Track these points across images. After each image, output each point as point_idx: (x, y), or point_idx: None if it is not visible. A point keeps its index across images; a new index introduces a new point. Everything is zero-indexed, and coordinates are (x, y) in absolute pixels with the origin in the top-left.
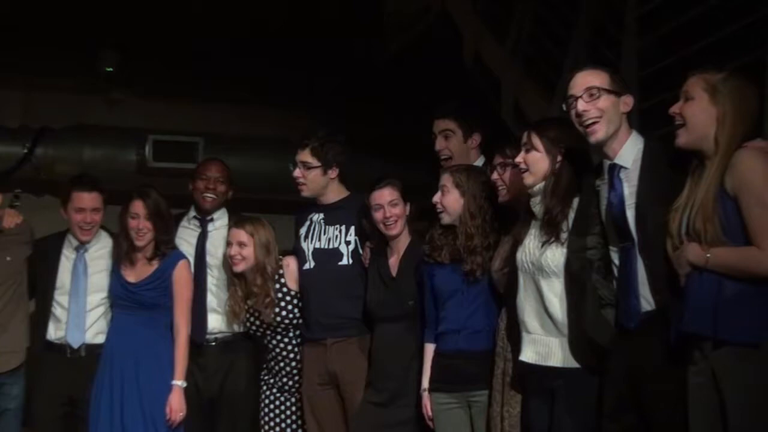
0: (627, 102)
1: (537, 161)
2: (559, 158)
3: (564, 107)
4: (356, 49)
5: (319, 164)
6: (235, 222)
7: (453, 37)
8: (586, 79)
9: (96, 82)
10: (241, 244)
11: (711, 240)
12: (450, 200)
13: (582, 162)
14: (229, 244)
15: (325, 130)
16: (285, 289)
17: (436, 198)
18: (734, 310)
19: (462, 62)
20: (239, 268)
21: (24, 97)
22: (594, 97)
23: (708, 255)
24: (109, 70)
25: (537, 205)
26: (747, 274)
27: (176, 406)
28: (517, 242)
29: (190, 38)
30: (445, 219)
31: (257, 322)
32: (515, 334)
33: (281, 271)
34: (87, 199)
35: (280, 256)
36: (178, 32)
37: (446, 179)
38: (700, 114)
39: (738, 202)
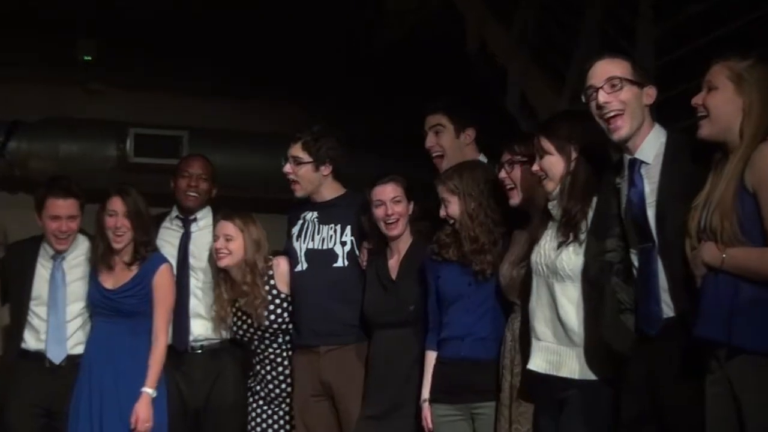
0: (650, 93)
1: (553, 165)
2: (574, 155)
3: (583, 98)
4: (355, 39)
5: (310, 160)
6: (223, 214)
7: (456, 25)
8: (607, 69)
9: (73, 72)
10: (228, 238)
11: (728, 238)
12: (456, 210)
13: (600, 157)
14: (215, 237)
15: (321, 125)
16: (275, 292)
17: (443, 213)
18: (751, 316)
19: (465, 52)
20: (224, 262)
21: None
22: (616, 88)
23: (724, 255)
24: (87, 59)
25: (555, 208)
26: (765, 277)
27: (142, 415)
28: (534, 243)
29: (175, 26)
30: (457, 225)
31: (244, 326)
32: (526, 341)
33: (271, 272)
34: (62, 206)
35: (270, 256)
36: (161, 19)
37: (442, 191)
38: (724, 105)
39: (757, 198)
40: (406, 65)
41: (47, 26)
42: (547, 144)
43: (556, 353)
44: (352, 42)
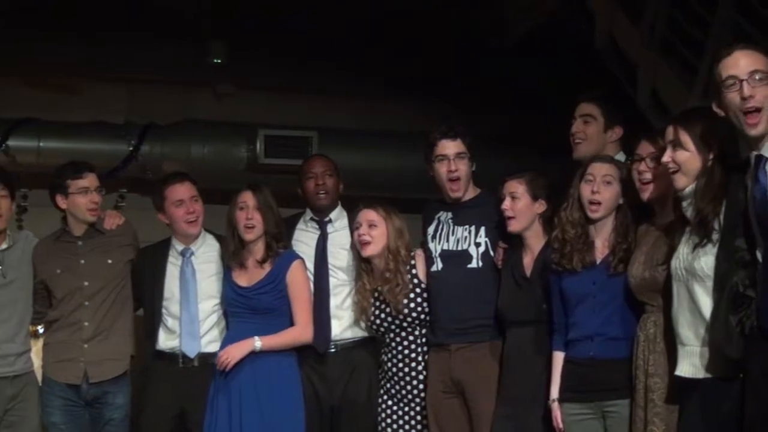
0: None
1: (688, 160)
2: (711, 156)
3: (717, 89)
4: (479, 35)
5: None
6: (364, 203)
7: (583, 18)
8: (750, 60)
9: (204, 74)
10: (371, 225)
11: None
12: (611, 194)
13: (733, 156)
14: (358, 224)
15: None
16: (416, 281)
17: (596, 188)
18: None
19: (593, 47)
20: (367, 250)
21: (128, 92)
22: (761, 83)
23: None
24: (217, 61)
25: (689, 208)
26: None
27: (233, 351)
28: (672, 249)
29: (302, 26)
30: (599, 212)
31: (382, 315)
32: (672, 347)
33: (413, 261)
34: (182, 189)
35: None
36: (289, 20)
37: (609, 169)
38: None
39: None
40: (533, 62)
41: (178, 30)
42: (685, 137)
43: (702, 356)
44: (479, 39)
